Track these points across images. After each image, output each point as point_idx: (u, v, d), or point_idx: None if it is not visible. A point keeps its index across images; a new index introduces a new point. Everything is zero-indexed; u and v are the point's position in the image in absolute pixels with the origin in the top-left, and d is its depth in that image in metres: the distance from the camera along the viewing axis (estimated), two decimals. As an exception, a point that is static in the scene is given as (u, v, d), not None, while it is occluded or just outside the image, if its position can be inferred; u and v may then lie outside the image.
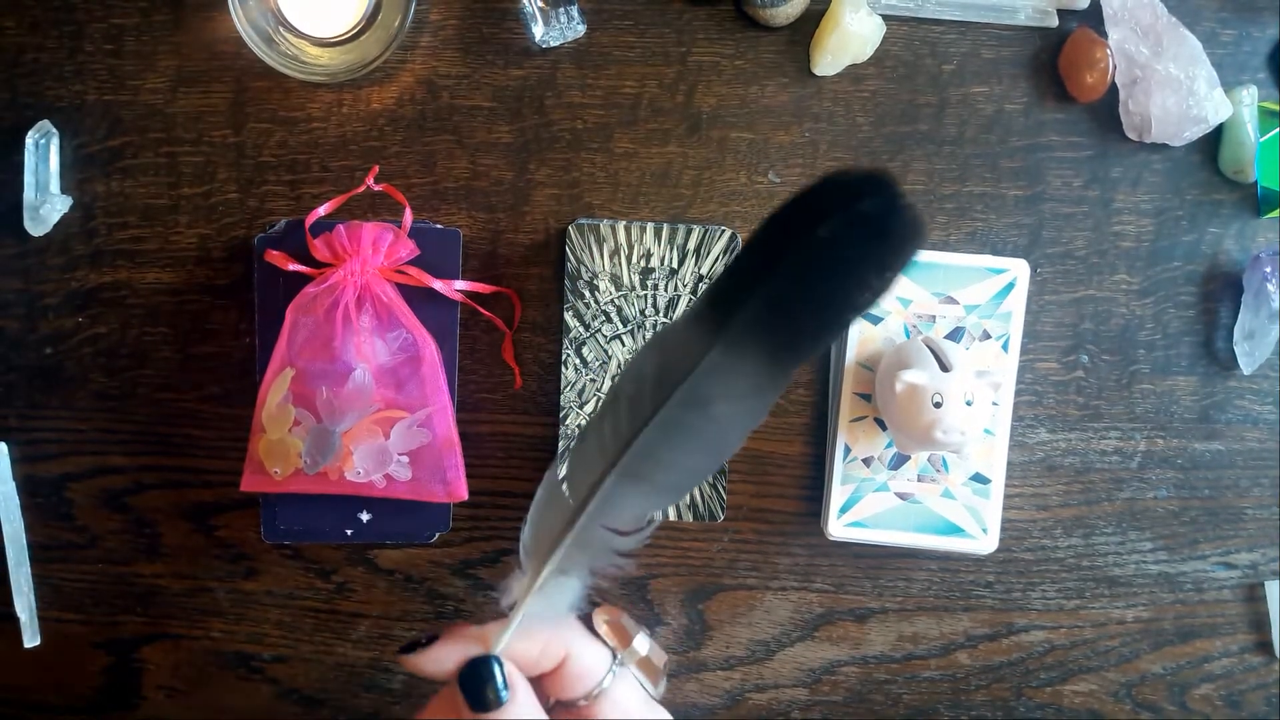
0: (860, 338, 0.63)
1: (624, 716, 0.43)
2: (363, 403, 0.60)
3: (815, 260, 0.38)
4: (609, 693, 0.44)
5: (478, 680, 0.42)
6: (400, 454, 0.61)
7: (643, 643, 0.50)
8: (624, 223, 0.64)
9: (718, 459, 0.43)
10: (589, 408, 0.65)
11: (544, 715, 0.43)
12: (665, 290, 0.64)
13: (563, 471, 0.44)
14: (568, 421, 0.64)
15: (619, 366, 0.65)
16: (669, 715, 0.47)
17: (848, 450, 0.63)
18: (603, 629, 0.50)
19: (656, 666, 0.49)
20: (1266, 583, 0.67)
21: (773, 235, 0.39)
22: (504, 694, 0.42)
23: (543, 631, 0.44)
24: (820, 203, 0.38)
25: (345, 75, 0.62)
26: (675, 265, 0.64)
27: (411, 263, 0.61)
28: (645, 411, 0.41)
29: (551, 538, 0.44)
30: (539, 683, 0.45)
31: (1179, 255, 0.66)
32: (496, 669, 0.42)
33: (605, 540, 0.43)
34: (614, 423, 0.42)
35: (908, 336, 0.63)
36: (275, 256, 0.61)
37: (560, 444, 0.61)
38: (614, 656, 0.46)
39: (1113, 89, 0.64)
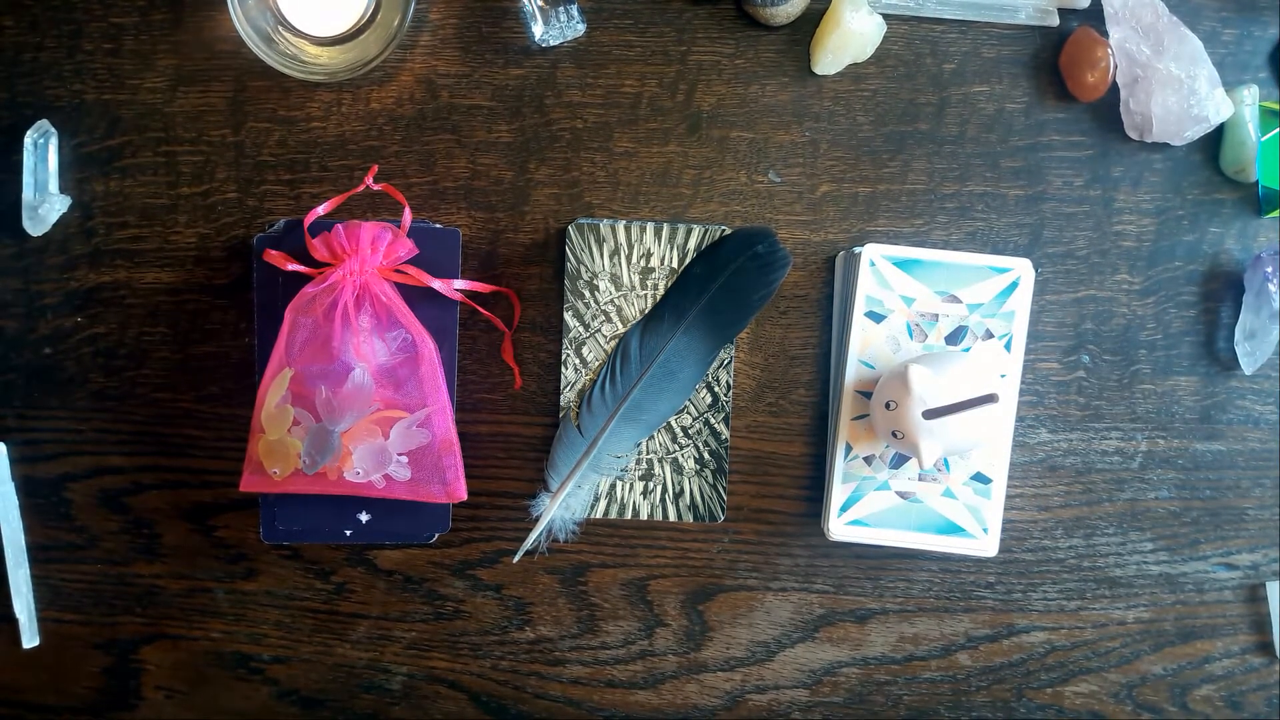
0: (863, 336, 0.63)
1: None
2: (362, 403, 0.60)
3: (734, 280, 0.62)
4: None
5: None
6: (399, 454, 0.61)
7: None
8: (624, 222, 0.64)
9: (681, 403, 0.64)
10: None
11: None
12: (665, 290, 0.64)
13: (575, 421, 0.64)
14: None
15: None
16: None
17: (849, 448, 0.63)
18: None
19: None
20: (1268, 583, 0.67)
21: (706, 261, 0.63)
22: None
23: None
24: (734, 246, 0.62)
25: (345, 74, 0.62)
26: (675, 265, 0.64)
27: (410, 262, 0.61)
28: (634, 377, 0.63)
29: (571, 464, 0.64)
30: None
31: (1180, 255, 0.66)
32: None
33: (609, 462, 0.64)
34: (612, 384, 0.63)
35: (910, 335, 0.63)
36: (274, 256, 0.61)
37: (561, 403, 0.65)
38: None
39: (1114, 88, 0.64)
